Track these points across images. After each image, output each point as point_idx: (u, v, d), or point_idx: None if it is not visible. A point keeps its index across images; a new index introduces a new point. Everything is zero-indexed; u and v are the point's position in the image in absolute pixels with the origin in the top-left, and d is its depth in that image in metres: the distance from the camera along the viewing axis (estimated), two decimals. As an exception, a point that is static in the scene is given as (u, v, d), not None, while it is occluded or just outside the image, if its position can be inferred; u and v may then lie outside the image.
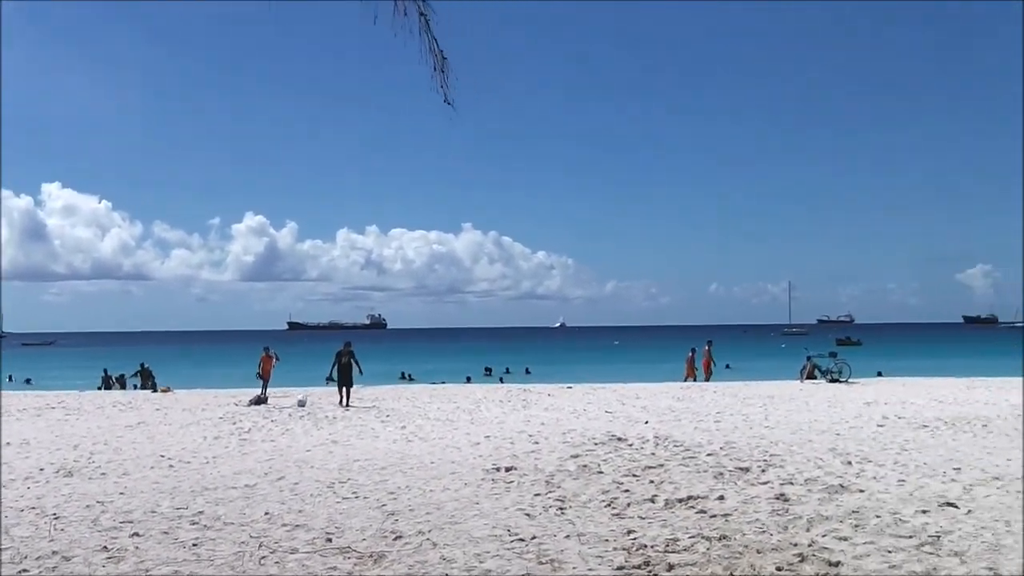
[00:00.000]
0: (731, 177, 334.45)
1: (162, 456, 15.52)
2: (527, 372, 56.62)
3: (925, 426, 17.91)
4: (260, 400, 26.25)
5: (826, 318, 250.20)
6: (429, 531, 9.35)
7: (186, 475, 13.44)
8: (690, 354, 38.69)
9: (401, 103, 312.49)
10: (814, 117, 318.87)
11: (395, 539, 9.05)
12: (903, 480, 11.81)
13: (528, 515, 10.06)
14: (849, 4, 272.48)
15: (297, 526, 9.72)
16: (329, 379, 27.89)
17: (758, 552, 8.21)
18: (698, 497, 10.81)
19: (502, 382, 44.08)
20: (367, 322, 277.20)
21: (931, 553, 8.08)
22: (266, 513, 10.43)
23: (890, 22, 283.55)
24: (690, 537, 8.83)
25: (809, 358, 35.36)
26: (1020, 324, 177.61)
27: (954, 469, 12.66)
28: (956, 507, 10.02)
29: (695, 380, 36.99)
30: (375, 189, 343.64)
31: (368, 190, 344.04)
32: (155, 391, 34.64)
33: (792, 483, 11.69)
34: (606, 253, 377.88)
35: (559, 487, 11.77)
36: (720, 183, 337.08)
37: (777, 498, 10.68)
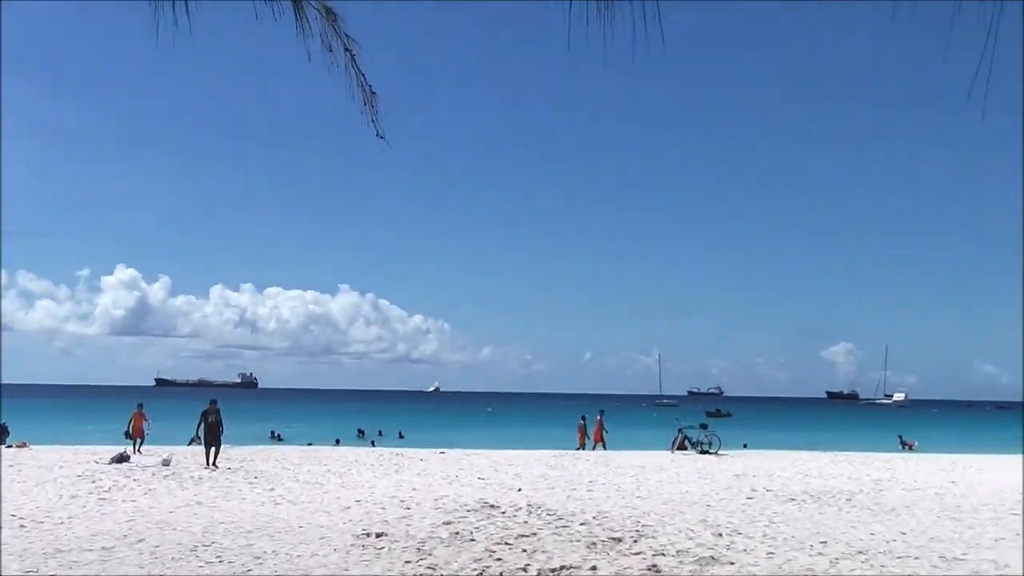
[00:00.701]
0: (604, 250, 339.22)
1: (12, 515, 14.72)
2: (400, 436, 55.88)
3: (792, 499, 18.16)
4: (123, 458, 25.28)
5: (696, 390, 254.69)
6: (295, 599, 9.00)
7: (38, 536, 12.77)
8: (581, 421, 38.69)
9: (281, 160, 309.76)
10: (683, 196, 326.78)
11: (259, 607, 8.67)
12: (772, 553, 11.90)
13: (398, 583, 9.77)
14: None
15: (156, 592, 9.24)
16: (195, 438, 27.04)
17: (631, 625, 8.09)
18: (571, 567, 10.69)
19: (374, 445, 43.45)
20: (238, 380, 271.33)
21: (801, 628, 8.08)
22: (123, 578, 9.91)
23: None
24: (563, 608, 8.67)
25: (680, 429, 35.73)
26: (880, 400, 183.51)
27: (820, 543, 12.83)
28: (824, 581, 10.08)
29: (583, 448, 36.95)
30: (252, 246, 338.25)
31: (245, 247, 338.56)
32: (8, 446, 33.02)
33: (664, 554, 11.67)
34: (482, 319, 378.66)
35: (430, 554, 11.52)
36: (593, 255, 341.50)
37: (649, 569, 10.64)
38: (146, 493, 18.07)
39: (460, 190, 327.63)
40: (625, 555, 11.61)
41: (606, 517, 15.08)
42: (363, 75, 6.18)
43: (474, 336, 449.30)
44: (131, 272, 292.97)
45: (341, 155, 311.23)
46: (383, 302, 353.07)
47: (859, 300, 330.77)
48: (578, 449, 36.54)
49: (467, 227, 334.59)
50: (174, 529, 13.44)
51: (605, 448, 36.45)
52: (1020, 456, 34.73)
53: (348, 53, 6.08)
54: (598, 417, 38.21)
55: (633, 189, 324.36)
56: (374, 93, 6.23)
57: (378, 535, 12.94)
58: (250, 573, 10.21)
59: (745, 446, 39.82)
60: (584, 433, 37.91)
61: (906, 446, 45.46)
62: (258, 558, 11.20)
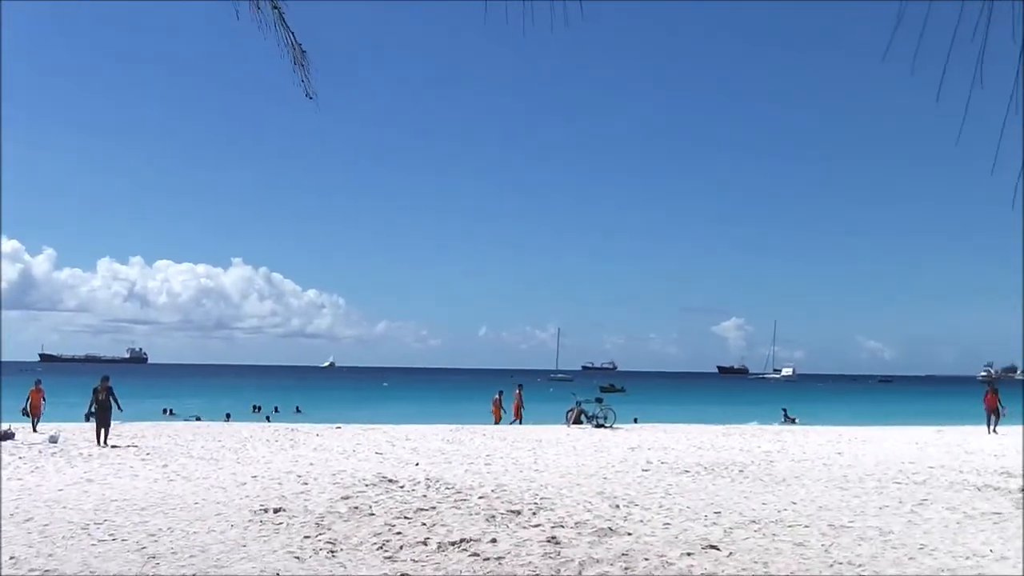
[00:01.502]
0: (499, 225, 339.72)
1: None
2: (297, 411, 55.36)
3: (686, 471, 18.50)
4: (6, 435, 24.55)
5: (591, 365, 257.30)
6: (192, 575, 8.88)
7: (-80, 515, 12.33)
8: (497, 396, 38.72)
9: (173, 128, 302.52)
10: (577, 174, 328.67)
11: (155, 584, 8.53)
12: (668, 523, 12.11)
13: (297, 558, 9.73)
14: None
15: (47, 571, 9.04)
16: (88, 416, 26.40)
17: (532, 595, 8.17)
18: (471, 540, 10.74)
19: (269, 421, 42.95)
20: (127, 356, 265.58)
21: (697, 595, 8.25)
22: (11, 557, 9.69)
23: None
24: (464, 580, 8.71)
25: (577, 403, 36.05)
26: (769, 375, 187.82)
27: (715, 513, 13.09)
28: (718, 549, 10.34)
29: (499, 423, 37.02)
30: (141, 217, 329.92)
31: (134, 218, 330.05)
32: None
33: (563, 526, 11.79)
34: (377, 294, 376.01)
35: (329, 529, 11.46)
36: (488, 231, 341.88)
37: (548, 541, 10.74)
38: (33, 471, 17.60)
39: (357, 164, 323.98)
40: (524, 527, 11.71)
41: (504, 490, 15.18)
42: (292, 33, 6.04)
43: (369, 311, 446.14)
44: (13, 244, 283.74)
45: (236, 124, 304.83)
46: (277, 276, 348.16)
47: (749, 277, 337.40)
48: (496, 424, 36.57)
49: (362, 201, 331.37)
50: (64, 507, 13.12)
51: (521, 423, 36.59)
52: (902, 427, 35.95)
53: (276, 11, 5.93)
54: (517, 391, 38.33)
55: (527, 166, 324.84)
56: (304, 52, 6.10)
57: (276, 511, 12.82)
58: (144, 550, 10.02)
59: (636, 420, 40.38)
60: (500, 408, 37.94)
61: (788, 420, 46.63)
62: (152, 535, 11.01)
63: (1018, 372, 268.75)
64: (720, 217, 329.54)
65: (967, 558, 10.19)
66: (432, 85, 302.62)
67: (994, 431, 32.28)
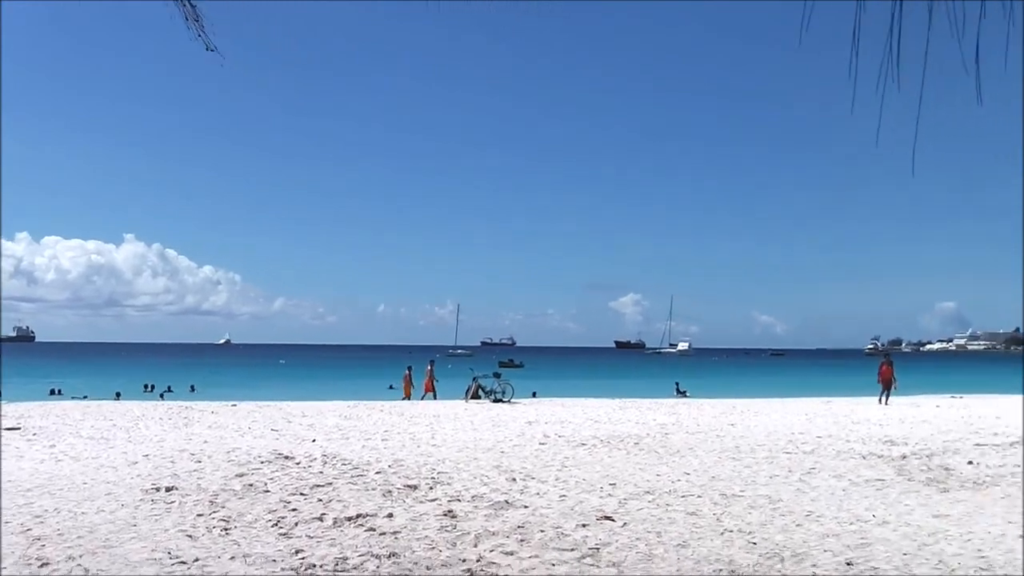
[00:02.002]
0: (398, 201, 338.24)
1: None
2: (192, 389, 54.41)
3: (583, 444, 18.69)
4: None
5: (489, 340, 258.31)
6: (80, 556, 8.71)
7: None
8: (407, 372, 38.64)
9: (63, 97, 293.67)
10: (475, 150, 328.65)
11: (41, 566, 8.36)
12: (564, 496, 12.23)
13: (190, 536, 9.58)
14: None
15: (-74, 554, 8.74)
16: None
17: (427, 568, 8.21)
18: (367, 515, 10.71)
19: (163, 399, 42.21)
20: (13, 334, 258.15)
21: (591, 565, 8.39)
22: None
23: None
24: (359, 555, 8.71)
25: (475, 379, 36.18)
26: (665, 349, 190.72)
27: (610, 484, 13.26)
28: (613, 520, 10.49)
29: (409, 398, 37.02)
30: (27, 192, 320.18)
31: (19, 193, 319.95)
32: None
33: (460, 500, 11.84)
34: (274, 270, 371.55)
35: (223, 507, 11.32)
36: (387, 206, 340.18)
37: (445, 515, 10.77)
38: (-88, 453, 16.97)
39: (249, 136, 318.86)
40: (421, 502, 11.73)
41: (401, 465, 15.17)
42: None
43: (266, 288, 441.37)
44: None
45: (126, 93, 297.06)
46: (171, 252, 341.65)
47: (646, 253, 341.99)
48: (404, 399, 36.61)
49: (257, 174, 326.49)
50: (-55, 489, 12.68)
51: (435, 398, 36.66)
52: (793, 399, 36.87)
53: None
54: (428, 367, 38.35)
55: (425, 143, 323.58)
56: (194, 6, 5.93)
57: (168, 489, 12.61)
58: (29, 532, 9.77)
59: (534, 394, 40.73)
60: (410, 383, 37.97)
61: (680, 393, 47.55)
62: (38, 516, 10.74)
63: (903, 345, 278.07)
64: (618, 194, 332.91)
65: (851, 523, 10.52)
66: (317, 65, 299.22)
67: (886, 402, 33.19)
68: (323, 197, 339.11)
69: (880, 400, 33.65)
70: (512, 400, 34.42)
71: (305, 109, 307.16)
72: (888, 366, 35.27)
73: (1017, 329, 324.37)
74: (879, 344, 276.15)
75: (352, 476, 13.82)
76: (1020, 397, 37.47)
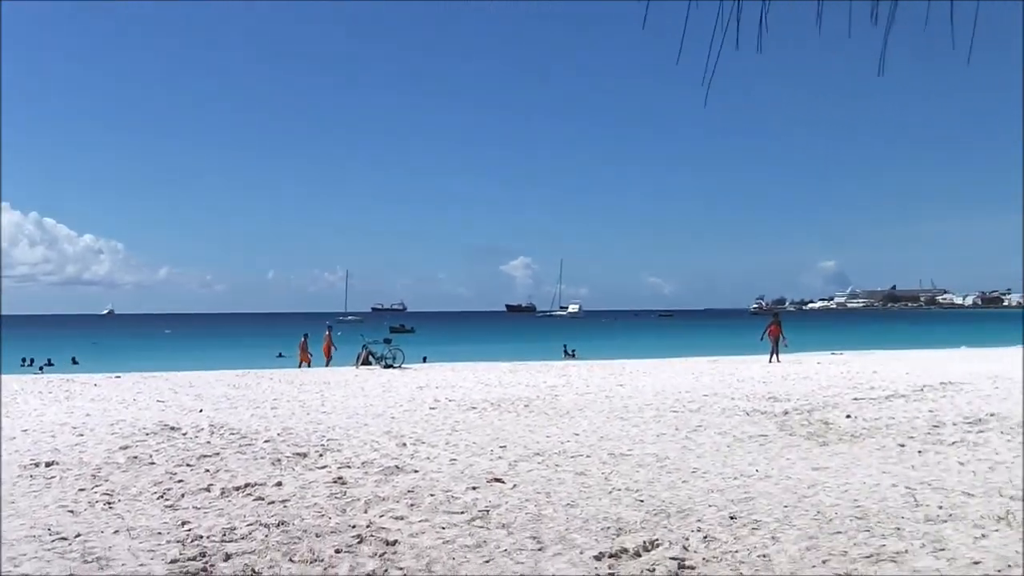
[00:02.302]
0: (285, 166, 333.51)
1: None
2: (74, 362, 52.92)
3: (473, 408, 18.80)
4: None
5: (380, 306, 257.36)
6: (-45, 535, 8.42)
7: None
8: (303, 339, 38.21)
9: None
10: (368, 112, 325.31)
11: (-87, 546, 8.05)
12: (455, 459, 12.30)
13: (72, 512, 9.38)
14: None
15: None
16: None
17: (317, 536, 8.19)
18: (256, 484, 10.62)
19: (42, 372, 41.06)
20: None
21: (481, 527, 8.46)
22: None
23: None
24: (248, 525, 8.63)
25: (365, 345, 36.04)
26: (556, 312, 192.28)
27: (500, 447, 13.37)
28: (503, 482, 10.58)
29: (309, 365, 36.71)
30: None
31: None
32: None
33: (350, 466, 11.81)
34: (159, 238, 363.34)
35: (107, 480, 11.09)
36: (273, 171, 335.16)
37: (335, 482, 10.74)
38: None
39: (129, 97, 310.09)
40: (311, 469, 11.67)
41: (291, 433, 15.06)
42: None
43: (150, 256, 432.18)
44: None
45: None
46: (49, 221, 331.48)
47: (536, 216, 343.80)
48: (300, 366, 36.37)
49: (138, 138, 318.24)
50: None
51: (327, 364, 36.53)
52: (680, 359, 37.54)
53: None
54: (326, 334, 38.10)
55: (312, 105, 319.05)
56: None
57: (48, 464, 12.30)
58: (-98, 512, 9.43)
59: (425, 359, 40.79)
60: (307, 350, 37.71)
61: (568, 355, 48.09)
62: (-90, 496, 10.36)
63: (787, 304, 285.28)
64: (506, 158, 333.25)
65: (735, 478, 10.80)
66: (191, 21, 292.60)
67: (777, 360, 33.96)
68: (207, 161, 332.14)
69: (771, 358, 34.30)
70: (403, 366, 34.41)
71: (186, 66, 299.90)
72: (776, 325, 35.92)
73: (893, 287, 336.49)
74: (764, 303, 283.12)
75: (240, 445, 13.68)
76: (894, 352, 38.89)
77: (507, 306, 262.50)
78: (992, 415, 16.05)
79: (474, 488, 10.26)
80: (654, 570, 7.05)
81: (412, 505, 9.39)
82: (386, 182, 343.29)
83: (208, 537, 8.21)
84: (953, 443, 13.32)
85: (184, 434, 15.02)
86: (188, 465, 12.04)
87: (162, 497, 10.02)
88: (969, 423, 15.12)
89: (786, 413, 17.05)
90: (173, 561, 7.46)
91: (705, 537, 8.01)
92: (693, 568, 7.10)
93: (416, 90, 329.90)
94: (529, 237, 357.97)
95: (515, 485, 10.42)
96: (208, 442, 14.10)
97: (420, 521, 8.68)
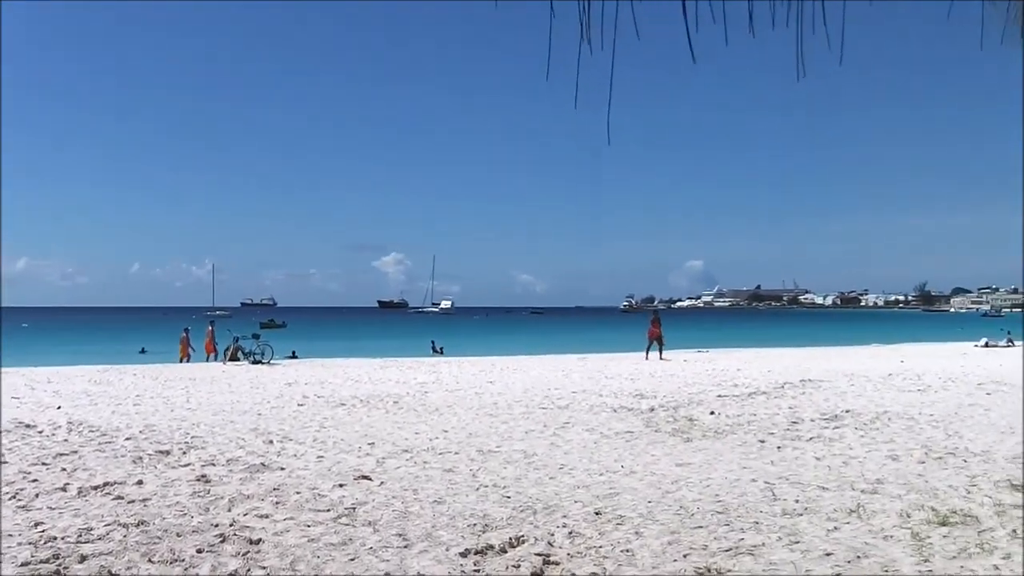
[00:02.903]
0: (154, 155, 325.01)
1: None
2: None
3: (342, 404, 18.65)
4: None
5: (249, 301, 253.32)
6: None
7: None
8: (184, 334, 37.26)
9: None
10: (237, 106, 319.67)
11: None
12: (322, 456, 12.19)
13: (-83, 513, 8.95)
14: None
15: None
16: None
17: (178, 535, 8.01)
18: (115, 483, 10.33)
19: None
20: None
21: (347, 524, 8.40)
22: None
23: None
24: (105, 525, 8.39)
25: (235, 339, 35.43)
26: (428, 308, 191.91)
27: (368, 444, 13.31)
28: (370, 479, 10.53)
29: (190, 361, 35.83)
30: None
31: None
32: None
33: (214, 464, 11.60)
34: (17, 227, 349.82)
35: (-45, 480, 10.62)
36: (140, 159, 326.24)
37: (198, 480, 10.53)
38: None
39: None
40: (173, 467, 11.41)
41: (153, 430, 14.70)
42: None
43: (7, 247, 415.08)
44: None
45: None
46: None
47: (409, 212, 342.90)
48: (181, 361, 35.57)
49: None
50: None
51: (213, 360, 35.77)
52: (551, 356, 37.86)
53: None
54: (209, 328, 37.34)
55: (179, 95, 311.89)
56: None
57: None
58: None
59: (294, 355, 40.27)
60: (187, 345, 36.91)
61: (436, 351, 48.14)
62: None
63: (656, 302, 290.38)
64: (378, 155, 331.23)
65: (601, 474, 10.95)
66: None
67: (660, 357, 34.73)
68: (70, 148, 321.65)
69: (647, 355, 35.12)
70: (272, 361, 33.89)
71: (45, 47, 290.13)
72: (656, 324, 36.29)
73: (758, 286, 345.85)
74: (633, 302, 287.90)
75: (100, 443, 13.30)
76: (757, 350, 40.02)
77: (379, 302, 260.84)
78: (847, 411, 16.63)
79: (341, 485, 10.19)
80: (519, 566, 7.09)
81: (277, 503, 9.27)
82: (255, 175, 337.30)
83: (63, 538, 7.96)
84: (810, 439, 13.71)
85: (40, 432, 14.53)
86: (44, 464, 11.65)
87: (15, 498, 9.68)
88: (826, 419, 15.63)
89: (652, 410, 17.36)
90: (24, 564, 7.22)
91: (570, 533, 8.09)
92: (557, 563, 7.16)
93: (286, 84, 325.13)
94: (402, 233, 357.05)
95: (382, 482, 10.39)
96: (66, 440, 13.68)
97: (285, 519, 8.57)
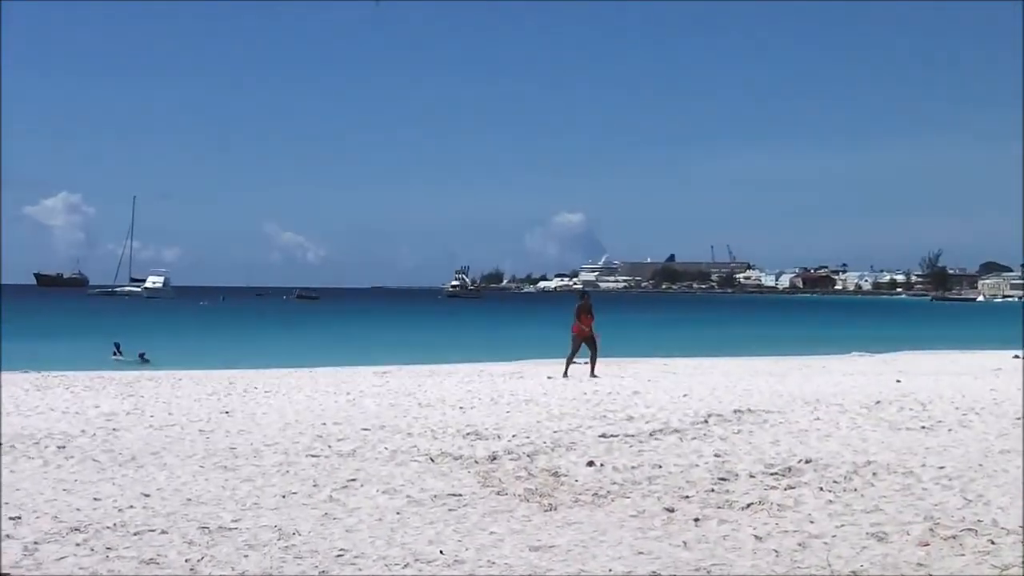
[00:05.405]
0: None
1: None
2: None
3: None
4: None
5: None
6: None
7: None
8: None
9: None
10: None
11: None
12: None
13: None
14: None
15: None
16: None
17: None
18: None
19: None
20: None
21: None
22: None
23: None
24: None
25: None
26: (126, 288, 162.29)
27: (11, 519, 9.54)
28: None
29: None
30: None
31: None
32: None
33: None
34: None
35: None
36: None
37: None
38: None
39: None
40: None
41: None
42: None
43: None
44: None
45: None
46: None
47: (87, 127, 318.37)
48: None
49: None
50: None
51: None
52: (325, 369, 30.96)
53: None
54: None
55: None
56: None
57: None
58: None
59: None
60: None
61: (118, 354, 38.29)
62: None
63: (506, 281, 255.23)
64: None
65: (405, 566, 8.26)
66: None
67: (593, 373, 24.33)
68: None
69: (567, 370, 24.09)
70: None
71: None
72: (586, 314, 25.10)
73: (671, 257, 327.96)
74: (467, 280, 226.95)
75: None
76: (669, 360, 32.00)
77: (36, 276, 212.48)
78: (807, 462, 14.03)
79: None
80: None
81: None
82: None
83: None
84: (748, 506, 10.64)
85: None
86: None
87: None
88: (773, 475, 13.33)
89: (494, 458, 14.11)
90: None
91: None
92: None
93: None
94: (78, 166, 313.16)
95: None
96: None
97: None
